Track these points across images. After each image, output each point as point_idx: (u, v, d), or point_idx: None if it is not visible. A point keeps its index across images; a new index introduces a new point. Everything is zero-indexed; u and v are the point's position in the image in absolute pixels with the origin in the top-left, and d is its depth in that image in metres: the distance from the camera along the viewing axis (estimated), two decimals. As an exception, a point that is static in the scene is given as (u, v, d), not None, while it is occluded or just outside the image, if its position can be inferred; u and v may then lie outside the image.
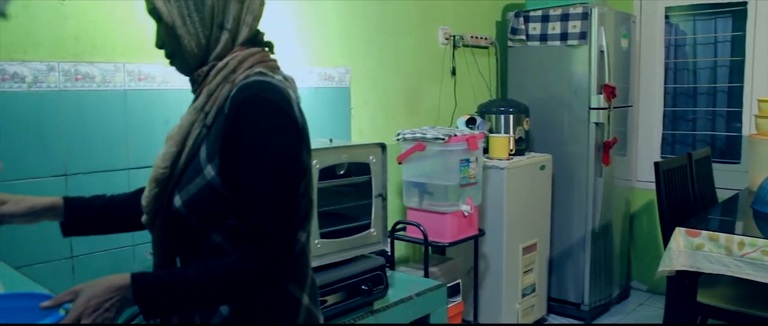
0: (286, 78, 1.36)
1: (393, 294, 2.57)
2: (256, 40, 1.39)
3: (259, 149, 1.22)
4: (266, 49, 1.40)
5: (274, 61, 1.39)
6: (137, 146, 2.50)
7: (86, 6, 2.34)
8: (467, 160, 3.23)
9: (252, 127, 1.22)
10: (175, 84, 2.59)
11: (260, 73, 1.29)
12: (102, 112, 2.40)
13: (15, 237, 2.17)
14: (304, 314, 1.36)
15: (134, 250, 2.50)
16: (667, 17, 4.52)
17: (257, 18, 1.38)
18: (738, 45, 4.30)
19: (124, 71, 2.46)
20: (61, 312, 1.14)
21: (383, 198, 2.61)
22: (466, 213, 3.25)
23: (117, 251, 2.46)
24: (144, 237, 2.50)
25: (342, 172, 2.47)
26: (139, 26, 2.49)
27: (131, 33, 2.48)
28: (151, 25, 2.47)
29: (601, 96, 3.90)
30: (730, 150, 4.44)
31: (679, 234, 2.81)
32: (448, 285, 3.05)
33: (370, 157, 2.55)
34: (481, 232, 3.48)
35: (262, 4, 1.40)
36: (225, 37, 1.32)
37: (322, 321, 1.44)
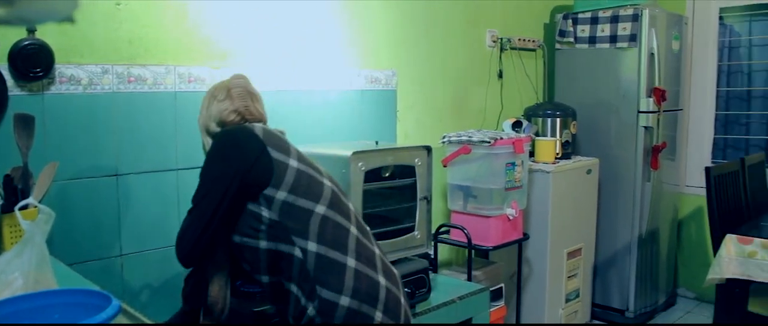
0: None
1: (435, 298, 2.57)
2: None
3: None
4: None
5: None
6: (186, 147, 2.55)
7: (140, 10, 2.40)
8: (513, 164, 3.21)
9: None
10: (223, 86, 2.64)
11: None
12: (153, 114, 2.46)
13: (68, 234, 2.24)
14: (343, 313, 1.61)
15: (182, 249, 2.56)
16: (721, 18, 4.41)
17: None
18: (795, 47, 4.18)
19: (175, 73, 2.51)
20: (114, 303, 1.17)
21: (428, 201, 2.61)
22: (510, 217, 3.23)
23: (165, 250, 2.51)
24: (192, 236, 2.56)
25: (387, 175, 2.49)
26: (189, 30, 2.54)
27: (182, 36, 2.53)
28: (200, 29, 2.53)
29: (651, 99, 3.83)
30: (786, 156, 4.31)
31: (730, 241, 2.75)
32: (491, 288, 3.03)
33: (416, 160, 2.56)
34: (526, 236, 3.45)
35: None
36: None
37: (379, 318, 1.63)
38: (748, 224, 3.14)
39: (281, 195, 1.65)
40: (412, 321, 2.40)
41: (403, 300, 1.78)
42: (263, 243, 1.67)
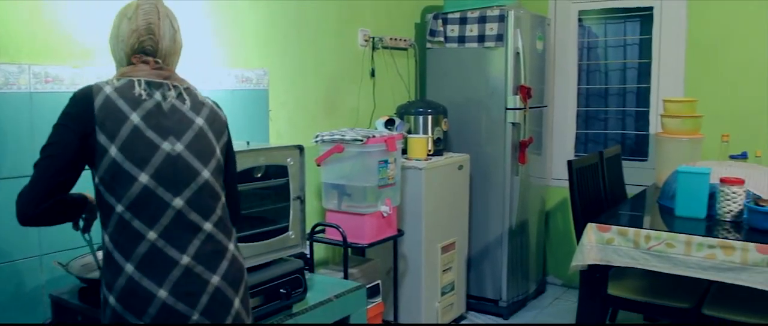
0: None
1: (312, 297, 2.57)
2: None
3: None
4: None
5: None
6: (44, 151, 2.41)
7: (-13, 5, 2.25)
8: (386, 161, 3.25)
9: None
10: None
11: None
12: (5, 116, 2.30)
13: None
14: (109, 313, 1.60)
15: (42, 260, 2.41)
16: (580, 20, 4.67)
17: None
18: (645, 48, 4.48)
19: (30, 73, 2.36)
20: None
21: (301, 200, 2.60)
22: (384, 214, 3.27)
23: (25, 261, 2.36)
24: (52, 246, 2.41)
25: (259, 175, 2.46)
26: (47, 26, 2.40)
27: (38, 33, 2.39)
28: (59, 25, 2.38)
29: (517, 97, 3.99)
30: (639, 148, 4.62)
31: (591, 229, 2.91)
32: (368, 286, 3.06)
33: (288, 159, 2.54)
34: (400, 232, 3.51)
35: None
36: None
37: (163, 296, 1.60)
38: (607, 213, 3.33)
39: (97, 180, 1.65)
40: (289, 322, 2.39)
41: (217, 281, 1.68)
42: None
